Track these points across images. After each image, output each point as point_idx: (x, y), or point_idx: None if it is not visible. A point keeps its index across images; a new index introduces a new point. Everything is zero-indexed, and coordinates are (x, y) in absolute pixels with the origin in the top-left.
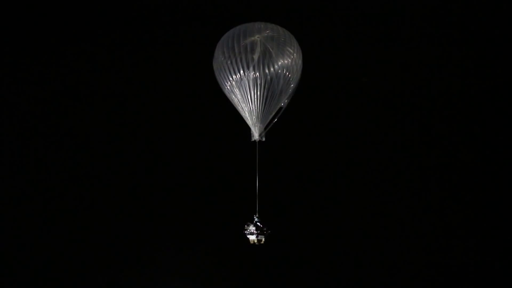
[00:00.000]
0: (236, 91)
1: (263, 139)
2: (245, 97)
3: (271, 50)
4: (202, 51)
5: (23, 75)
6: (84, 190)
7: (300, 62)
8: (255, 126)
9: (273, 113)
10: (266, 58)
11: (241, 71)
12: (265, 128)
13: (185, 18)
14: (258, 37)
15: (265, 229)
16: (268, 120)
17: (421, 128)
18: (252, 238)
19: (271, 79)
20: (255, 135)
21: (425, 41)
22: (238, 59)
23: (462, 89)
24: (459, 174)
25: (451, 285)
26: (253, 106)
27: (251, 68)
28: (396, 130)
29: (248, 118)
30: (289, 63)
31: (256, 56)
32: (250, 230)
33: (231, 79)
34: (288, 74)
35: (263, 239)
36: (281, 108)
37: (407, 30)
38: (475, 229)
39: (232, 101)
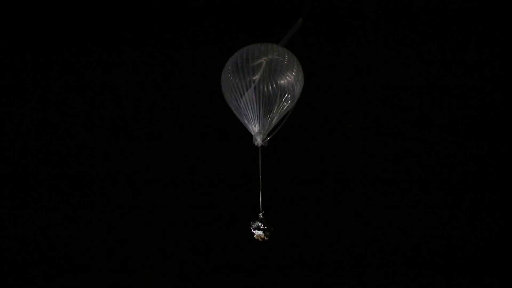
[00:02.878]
0: (240, 109)
1: (266, 144)
2: (248, 113)
3: (272, 71)
4: (205, 54)
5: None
6: (99, 199)
7: (299, 86)
8: (256, 135)
9: (273, 125)
10: (267, 79)
11: (245, 91)
12: (267, 136)
13: (194, 25)
14: (264, 59)
15: (269, 225)
16: (269, 130)
17: (423, 133)
18: (259, 233)
19: (269, 98)
20: (258, 140)
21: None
22: (243, 80)
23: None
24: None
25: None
26: (255, 121)
27: (250, 89)
28: (401, 132)
29: (251, 129)
30: (287, 85)
31: (257, 78)
32: (256, 225)
33: (236, 97)
34: (286, 95)
35: (269, 235)
36: (283, 119)
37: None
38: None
39: (235, 113)
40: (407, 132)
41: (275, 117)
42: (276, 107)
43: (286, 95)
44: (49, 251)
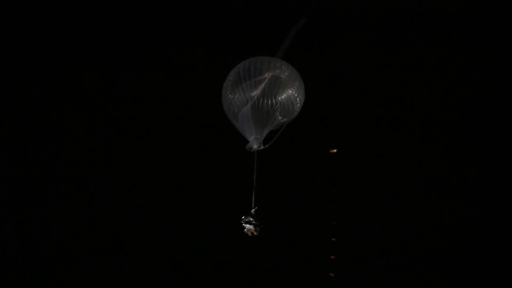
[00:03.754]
0: (238, 120)
1: (262, 147)
2: (244, 123)
3: (273, 87)
4: (209, 60)
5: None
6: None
7: (299, 102)
8: (252, 141)
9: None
10: (268, 94)
11: (244, 104)
12: (264, 144)
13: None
14: (268, 75)
15: (260, 222)
16: (264, 137)
17: (422, 134)
18: (249, 227)
19: (268, 113)
20: (254, 146)
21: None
22: (243, 95)
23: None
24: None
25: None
26: (251, 131)
27: (249, 104)
28: (401, 133)
29: (247, 136)
30: (287, 101)
31: (257, 93)
32: (248, 219)
33: (234, 112)
34: (284, 109)
35: (259, 230)
36: (281, 127)
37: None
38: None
39: (233, 123)
40: (402, 136)
41: (271, 129)
42: (273, 121)
43: (284, 111)
44: (49, 251)
